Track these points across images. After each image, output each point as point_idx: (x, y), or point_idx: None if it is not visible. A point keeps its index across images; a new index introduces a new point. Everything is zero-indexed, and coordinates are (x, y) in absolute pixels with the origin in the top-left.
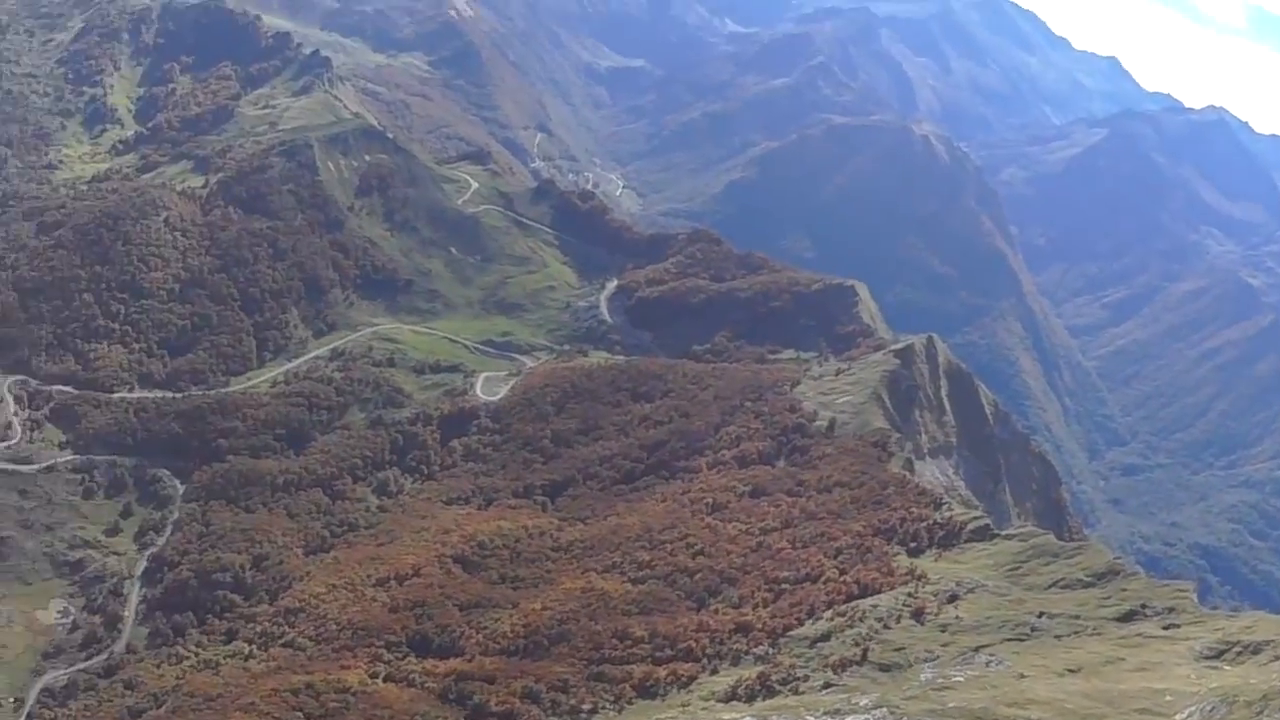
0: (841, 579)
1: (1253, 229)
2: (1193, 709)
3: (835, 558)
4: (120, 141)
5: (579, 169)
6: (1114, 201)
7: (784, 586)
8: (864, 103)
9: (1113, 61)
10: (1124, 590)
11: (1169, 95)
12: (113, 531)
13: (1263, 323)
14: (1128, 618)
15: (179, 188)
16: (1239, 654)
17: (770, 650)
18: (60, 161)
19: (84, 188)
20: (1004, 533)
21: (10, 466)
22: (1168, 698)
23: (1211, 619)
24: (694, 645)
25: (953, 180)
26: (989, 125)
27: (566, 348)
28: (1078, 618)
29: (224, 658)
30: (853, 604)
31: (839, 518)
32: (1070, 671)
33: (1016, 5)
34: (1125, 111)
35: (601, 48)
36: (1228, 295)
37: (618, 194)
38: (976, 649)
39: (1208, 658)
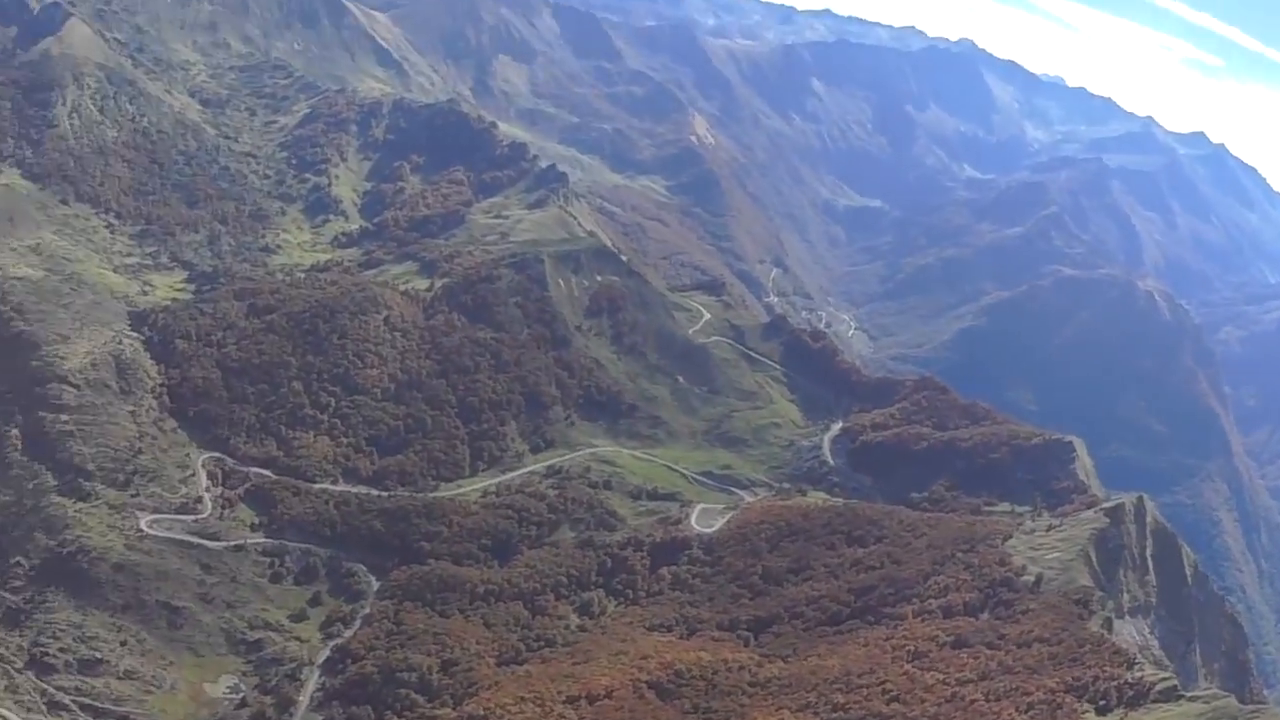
0: None
1: None
2: None
3: (1026, 712)
4: (343, 234)
5: (812, 306)
6: None
7: None
8: (1093, 255)
9: None
10: None
11: None
12: (298, 618)
13: None
14: None
15: (402, 288)
16: None
17: None
18: (278, 246)
19: (301, 275)
20: (1189, 694)
21: (196, 540)
22: None
23: None
24: None
25: (1173, 337)
26: (1209, 282)
27: (786, 486)
28: None
29: None
30: None
31: (1034, 673)
32: None
33: (1240, 160)
34: None
35: (841, 186)
36: None
37: (849, 334)
38: None
39: None
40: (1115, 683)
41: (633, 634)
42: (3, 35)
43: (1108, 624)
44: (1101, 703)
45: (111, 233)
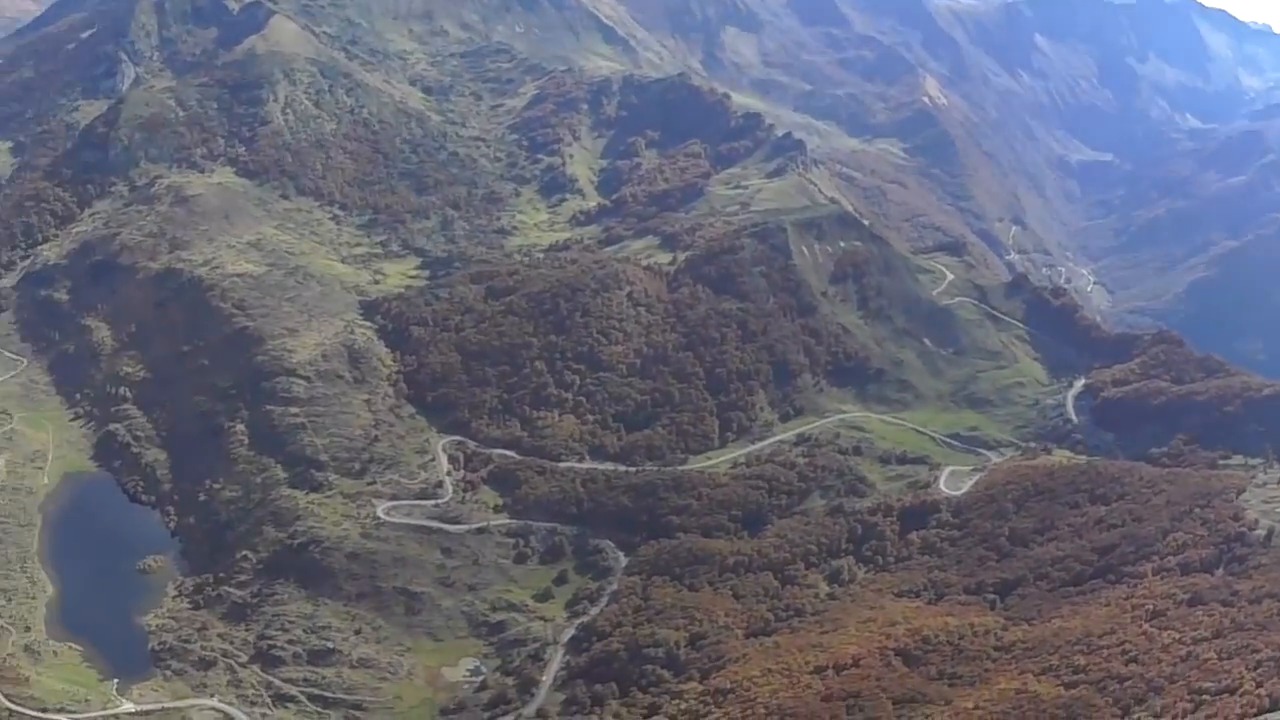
0: (1257, 691)
1: None
2: None
3: (1255, 669)
4: (581, 212)
5: (1051, 263)
6: None
7: (1204, 697)
8: None
9: None
10: None
11: None
12: (543, 597)
13: None
14: None
15: (644, 263)
16: None
17: None
18: (514, 227)
19: (540, 255)
20: None
21: (437, 525)
22: None
23: None
24: None
25: None
26: None
27: (1032, 445)
28: None
29: None
30: (1263, 716)
31: (1264, 629)
32: None
33: None
34: None
35: (1072, 140)
36: None
37: (1088, 289)
38: None
39: None
40: None
41: (881, 601)
42: (203, 37)
43: None
44: None
45: (337, 224)
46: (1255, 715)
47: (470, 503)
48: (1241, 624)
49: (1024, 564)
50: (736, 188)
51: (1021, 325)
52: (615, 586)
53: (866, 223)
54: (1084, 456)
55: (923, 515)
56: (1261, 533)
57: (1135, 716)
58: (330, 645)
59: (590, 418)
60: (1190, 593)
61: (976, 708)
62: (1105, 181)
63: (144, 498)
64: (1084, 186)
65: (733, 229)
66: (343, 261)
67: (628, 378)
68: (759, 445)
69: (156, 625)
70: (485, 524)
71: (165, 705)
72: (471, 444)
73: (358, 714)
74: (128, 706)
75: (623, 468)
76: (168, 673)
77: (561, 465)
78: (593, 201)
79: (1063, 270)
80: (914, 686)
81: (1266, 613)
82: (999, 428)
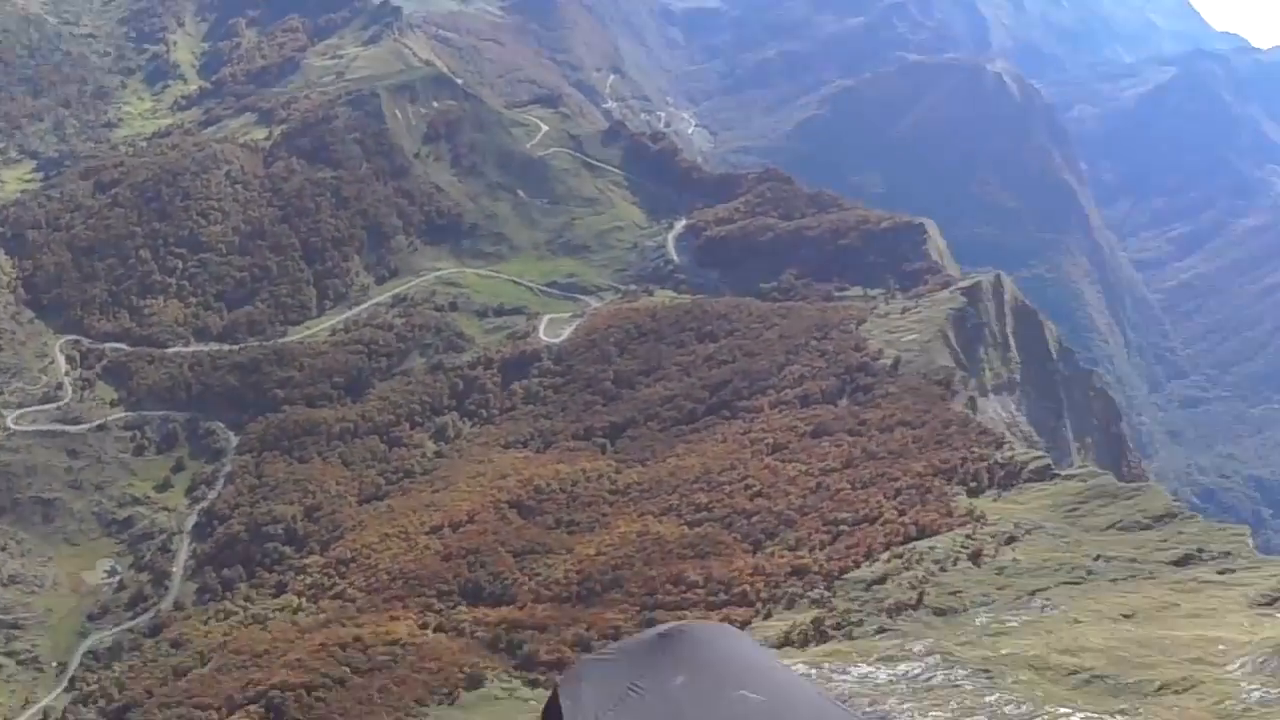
0: (900, 520)
1: None
2: (1245, 660)
3: (895, 498)
4: (183, 97)
5: (651, 109)
6: (1182, 139)
7: (842, 528)
8: (939, 41)
9: (1183, 1)
10: (1180, 533)
11: (1238, 35)
12: (164, 487)
13: None
14: (1183, 562)
15: (241, 141)
16: None
17: (826, 594)
18: (119, 120)
19: (144, 144)
20: (1064, 473)
21: (60, 428)
22: (1220, 647)
23: (1267, 564)
24: (749, 589)
25: (1024, 117)
26: (1061, 64)
27: (632, 288)
28: (1134, 561)
29: (273, 611)
30: (910, 546)
31: (900, 458)
32: (1124, 617)
33: None
34: (1195, 50)
35: None
36: None
37: (690, 133)
38: (1032, 593)
39: (1261, 605)
40: (985, 463)
41: (489, 454)
42: None
43: (972, 404)
44: (973, 484)
45: None
46: (903, 544)
47: (89, 401)
48: (874, 453)
49: (632, 406)
50: (333, 58)
51: (618, 171)
52: (229, 468)
53: (460, 82)
54: (688, 296)
55: (523, 365)
56: (887, 362)
57: (768, 550)
58: None
59: (193, 300)
60: (813, 424)
61: (599, 554)
62: (711, 27)
63: None
64: (689, 34)
65: (327, 99)
66: None
67: (227, 256)
68: (356, 310)
69: None
70: (104, 420)
71: None
72: (86, 341)
73: (16, 633)
74: None
75: (226, 346)
76: None
77: (169, 351)
78: (194, 85)
79: (662, 115)
80: (532, 537)
81: (900, 440)
82: (598, 273)
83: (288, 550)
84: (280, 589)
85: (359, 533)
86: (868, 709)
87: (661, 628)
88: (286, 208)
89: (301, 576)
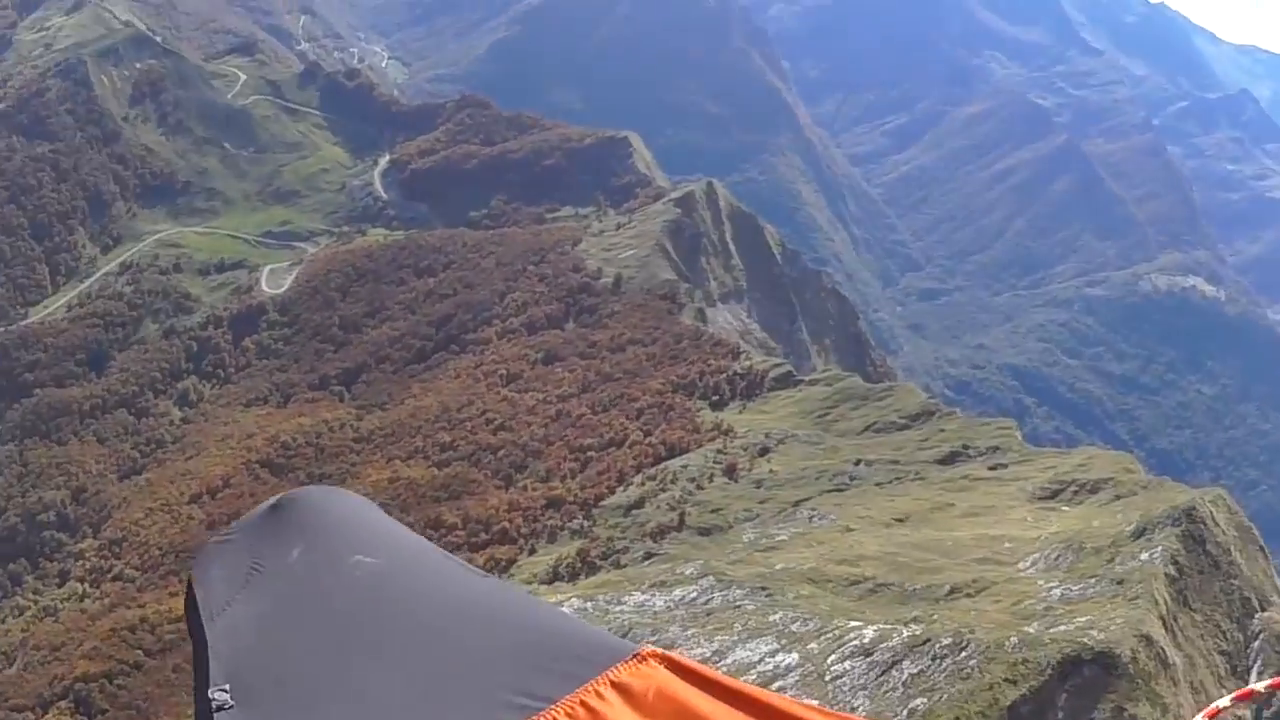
0: (647, 441)
1: (1039, 51)
2: (1036, 556)
3: (638, 419)
4: None
5: (344, 46)
6: (887, 30)
7: (590, 454)
8: None
9: None
10: (942, 431)
11: None
12: None
13: (1056, 142)
14: (950, 460)
15: None
16: (1075, 493)
17: (586, 523)
18: None
19: None
20: (809, 378)
21: None
22: (1007, 544)
23: (1040, 456)
24: (508, 526)
25: (719, 20)
26: None
27: (345, 229)
28: (897, 463)
29: (61, 601)
30: (661, 466)
31: (636, 377)
32: (898, 521)
33: None
34: None
35: None
36: (1017, 117)
37: (384, 66)
38: (796, 504)
39: (1042, 499)
40: (725, 375)
41: (232, 414)
42: None
43: (700, 315)
44: (715, 398)
45: None
46: (653, 464)
47: None
48: (609, 374)
49: (362, 350)
50: (40, 30)
51: (318, 113)
52: None
53: (159, 39)
54: (401, 232)
55: (252, 320)
56: (608, 280)
57: (520, 484)
58: None
59: None
60: (543, 351)
61: None
62: None
63: None
64: None
65: (38, 72)
66: None
67: None
68: (88, 283)
69: None
70: None
71: None
72: None
73: None
74: None
75: None
76: None
77: None
78: None
79: (355, 51)
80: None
81: (634, 359)
82: (310, 218)
83: (63, 537)
84: (64, 577)
85: (125, 510)
86: (651, 639)
87: (273, 499)
88: (11, 187)
89: (80, 562)
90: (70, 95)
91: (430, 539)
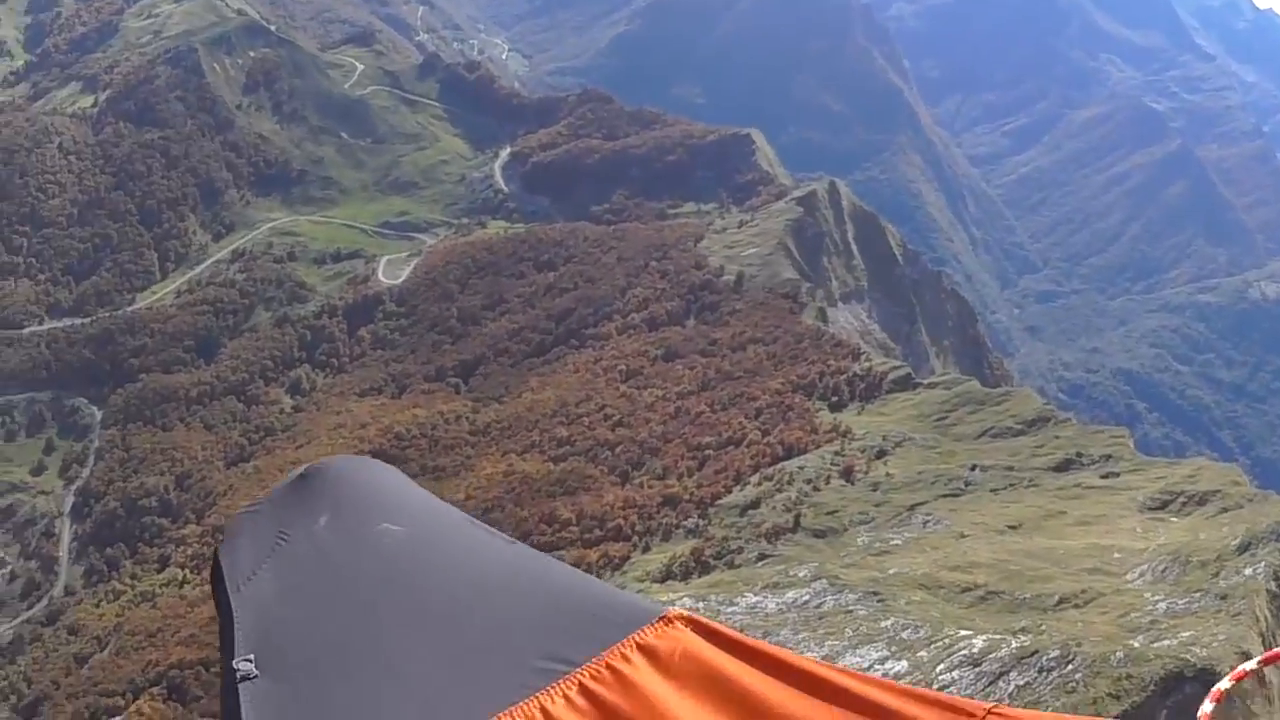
0: (765, 440)
1: (1153, 55)
2: (1144, 568)
3: (757, 418)
4: (11, 73)
5: (463, 38)
6: (1008, 31)
7: (708, 453)
8: None
9: None
10: (1057, 438)
11: None
12: (38, 470)
13: (1170, 147)
14: (1064, 467)
15: (70, 111)
16: (1184, 505)
17: (701, 522)
18: None
19: None
20: (927, 381)
21: None
22: (1116, 555)
23: (1151, 466)
24: (623, 523)
25: (841, 17)
26: None
27: (465, 221)
28: (1012, 469)
29: (159, 587)
30: (779, 466)
31: (756, 376)
32: (1011, 529)
33: None
34: None
35: None
36: (1132, 121)
37: (504, 58)
38: (911, 508)
39: (1152, 509)
40: (844, 376)
41: (345, 404)
42: None
43: (822, 315)
44: (834, 399)
45: None
46: (771, 464)
47: None
48: (729, 373)
49: (480, 343)
50: (149, 17)
51: (438, 104)
52: (97, 443)
53: (273, 28)
54: (521, 225)
55: (368, 310)
56: (730, 278)
57: (637, 481)
58: None
59: (42, 277)
60: (664, 347)
61: (468, 497)
62: None
63: None
64: None
65: (147, 59)
66: None
67: (68, 229)
68: (198, 270)
69: None
70: None
71: None
72: None
73: None
74: None
75: (79, 320)
76: None
77: (26, 331)
78: (20, 60)
79: (475, 43)
80: None
81: (754, 358)
82: (429, 209)
83: (164, 522)
84: (163, 563)
85: (231, 497)
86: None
87: (302, 468)
88: (119, 174)
89: (182, 548)
90: (181, 83)
91: (544, 534)
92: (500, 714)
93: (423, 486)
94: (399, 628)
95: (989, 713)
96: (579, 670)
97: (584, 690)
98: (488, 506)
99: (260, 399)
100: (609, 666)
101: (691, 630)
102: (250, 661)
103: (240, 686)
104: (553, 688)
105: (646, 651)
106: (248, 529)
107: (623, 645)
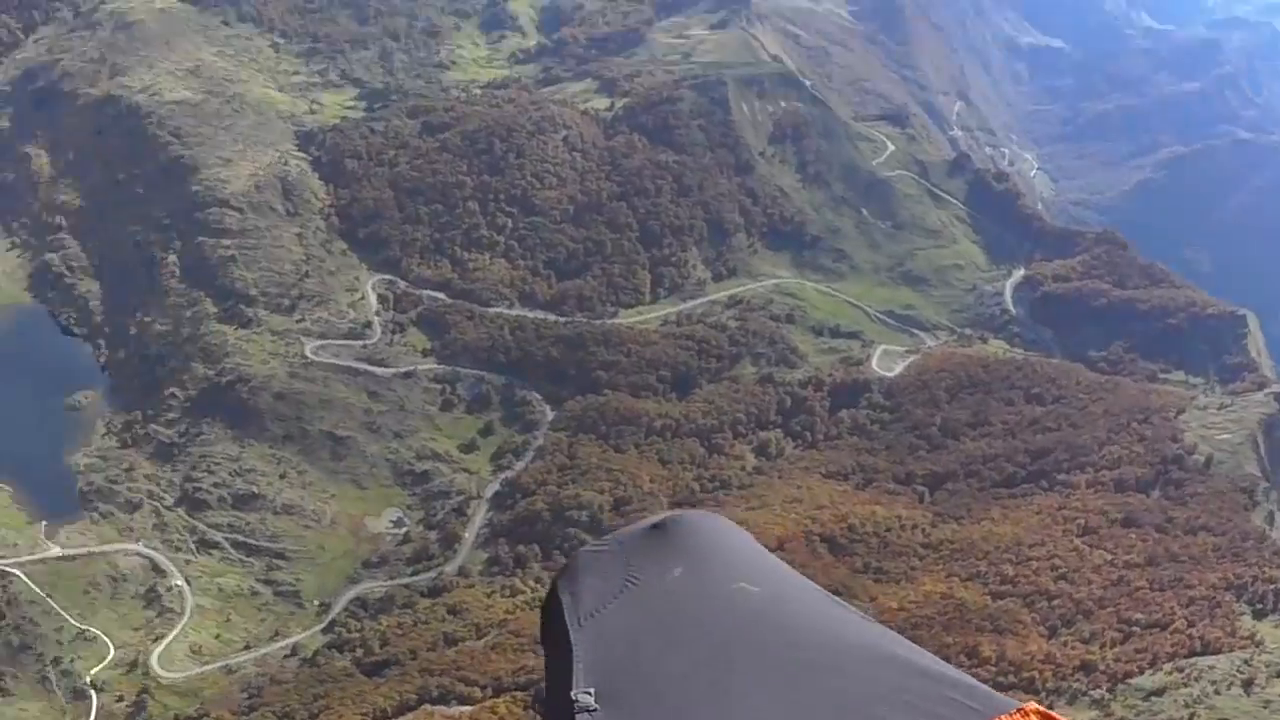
0: (1188, 631)
1: None
2: None
3: (1187, 607)
4: (521, 50)
5: (995, 143)
6: None
7: (1135, 629)
8: (1265, 120)
9: None
10: None
11: None
12: (469, 448)
13: None
14: None
15: (582, 108)
16: None
17: (1107, 695)
18: (452, 62)
19: (478, 92)
20: None
21: (363, 366)
22: None
23: None
24: (1037, 677)
25: None
26: None
27: (968, 331)
28: None
29: None
30: (1192, 660)
31: (1198, 564)
32: None
33: None
34: None
35: (1023, 22)
36: None
37: (1031, 174)
38: None
39: None
40: (1274, 586)
41: (809, 480)
42: None
43: (1270, 519)
44: (1259, 606)
45: (276, 51)
46: (1185, 657)
47: (398, 345)
48: (1175, 554)
49: (955, 458)
50: (679, 37)
51: (962, 205)
52: (541, 442)
53: (809, 83)
54: (1020, 350)
55: (854, 394)
56: (1200, 458)
57: (1062, 639)
58: (255, 490)
59: (521, 263)
60: (1124, 512)
61: (901, 609)
62: (1054, 69)
63: (76, 330)
64: (1032, 71)
65: (673, 79)
66: (280, 90)
67: (560, 224)
68: (690, 304)
69: (85, 465)
70: (413, 368)
71: (91, 550)
72: (402, 284)
73: (280, 563)
74: (54, 550)
75: (553, 317)
76: (95, 515)
77: (491, 310)
78: (533, 40)
79: (1006, 153)
80: (839, 578)
81: (1201, 546)
82: (935, 309)
83: (588, 539)
84: None
85: None
86: None
87: (655, 518)
88: (625, 184)
89: None
90: (705, 112)
91: (960, 666)
92: None
93: (860, 585)
94: (749, 683)
95: None
96: None
97: None
98: (916, 623)
99: (724, 449)
100: None
101: None
102: (590, 695)
103: (578, 718)
104: None
105: None
106: (592, 567)
107: None
